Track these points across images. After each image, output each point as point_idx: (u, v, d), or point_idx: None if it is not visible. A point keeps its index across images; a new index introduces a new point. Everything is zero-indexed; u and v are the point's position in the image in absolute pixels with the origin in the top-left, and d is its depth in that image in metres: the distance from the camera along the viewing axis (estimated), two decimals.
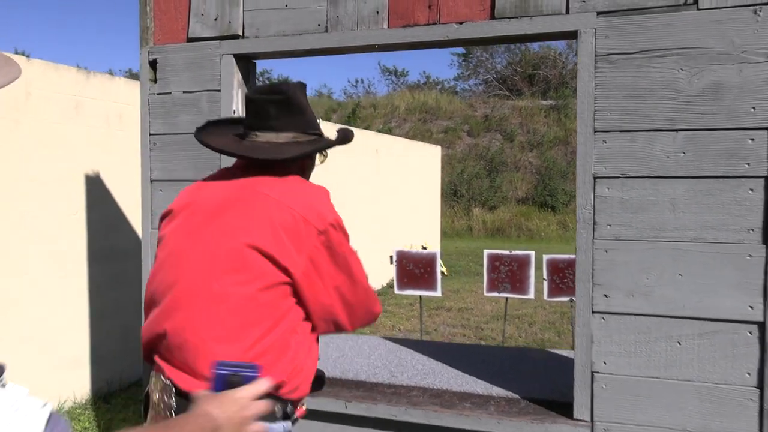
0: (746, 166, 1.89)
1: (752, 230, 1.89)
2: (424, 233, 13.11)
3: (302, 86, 1.56)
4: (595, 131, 2.04)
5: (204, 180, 1.60)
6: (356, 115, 26.03)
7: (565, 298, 6.24)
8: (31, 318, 4.21)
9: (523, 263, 6.32)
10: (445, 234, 18.97)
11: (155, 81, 2.54)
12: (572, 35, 2.07)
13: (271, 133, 1.50)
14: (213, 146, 1.57)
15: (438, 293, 6.49)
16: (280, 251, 1.36)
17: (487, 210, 23.40)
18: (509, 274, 6.35)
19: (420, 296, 6.69)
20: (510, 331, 7.84)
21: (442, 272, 12.64)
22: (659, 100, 1.97)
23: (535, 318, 9.05)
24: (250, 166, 1.52)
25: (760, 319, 1.89)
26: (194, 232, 1.45)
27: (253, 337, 1.36)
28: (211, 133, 1.63)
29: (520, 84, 29.36)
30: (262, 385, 1.07)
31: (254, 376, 1.05)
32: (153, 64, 2.54)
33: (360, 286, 1.51)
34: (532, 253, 6.31)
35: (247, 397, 1.02)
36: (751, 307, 1.90)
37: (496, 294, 6.44)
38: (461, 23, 2.17)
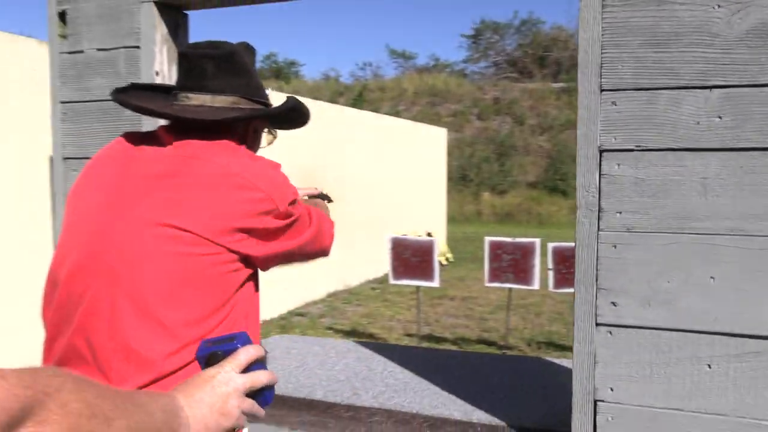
0: None
1: None
2: (429, 219, 12.67)
3: (249, 47, 1.34)
4: (602, 90, 1.57)
5: (112, 148, 1.26)
6: (363, 98, 25.56)
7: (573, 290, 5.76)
8: None
9: (527, 251, 5.83)
10: (453, 219, 18.53)
11: (65, 37, 2.08)
12: None
13: (207, 95, 1.24)
14: (134, 105, 1.27)
15: (435, 284, 6.03)
16: (234, 233, 1.12)
17: (496, 195, 22.99)
18: (512, 263, 5.88)
19: (417, 287, 6.24)
20: (515, 322, 7.38)
21: (447, 259, 12.20)
22: (687, 47, 1.50)
23: (542, 308, 8.57)
24: (178, 132, 1.20)
25: None
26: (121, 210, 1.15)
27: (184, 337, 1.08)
28: (134, 96, 1.33)
29: (530, 66, 28.73)
30: (245, 354, 0.90)
31: (234, 347, 0.91)
32: (62, 16, 2.08)
33: (308, 248, 1.30)
34: (537, 241, 5.82)
35: (225, 372, 0.87)
36: None
37: (498, 284, 5.98)
38: None
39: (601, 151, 1.57)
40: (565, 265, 5.66)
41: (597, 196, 1.58)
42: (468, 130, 26.28)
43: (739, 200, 1.47)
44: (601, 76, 1.56)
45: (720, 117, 1.48)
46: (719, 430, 1.50)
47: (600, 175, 1.58)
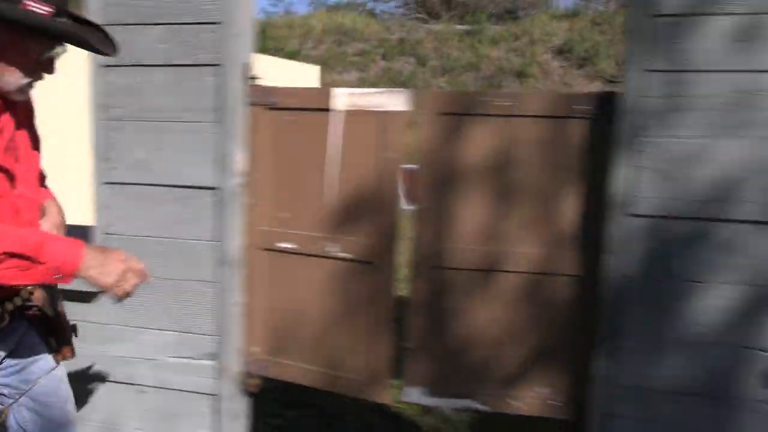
0: (205, 55, 2.24)
1: (209, 111, 2.26)
2: None
3: None
4: (107, 24, 2.33)
5: None
6: (268, 36, 25.36)
7: None
8: None
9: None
10: None
11: None
12: None
13: None
14: None
15: None
16: None
17: None
18: None
19: None
20: None
21: None
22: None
23: None
24: None
25: (216, 185, 2.28)
26: None
27: None
28: None
29: (438, 8, 29.07)
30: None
31: None
32: None
33: None
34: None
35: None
36: (210, 175, 2.28)
37: None
38: None
39: (104, 67, 2.35)
40: None
41: (105, 97, 2.36)
42: (372, 69, 26.59)
43: (176, 99, 2.29)
44: (105, 15, 2.31)
45: (164, 44, 2.27)
46: (174, 247, 2.36)
47: (104, 83, 2.35)
